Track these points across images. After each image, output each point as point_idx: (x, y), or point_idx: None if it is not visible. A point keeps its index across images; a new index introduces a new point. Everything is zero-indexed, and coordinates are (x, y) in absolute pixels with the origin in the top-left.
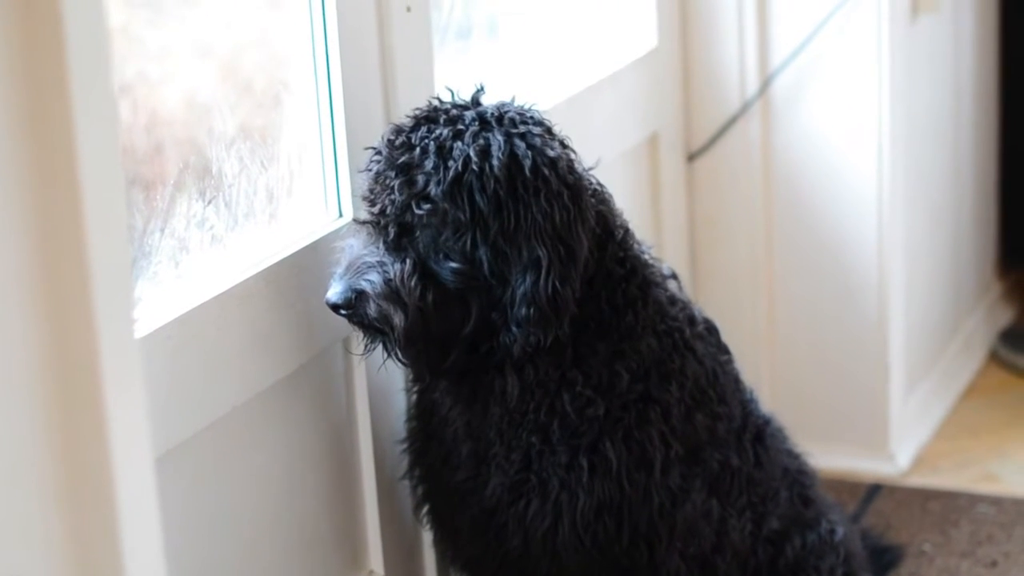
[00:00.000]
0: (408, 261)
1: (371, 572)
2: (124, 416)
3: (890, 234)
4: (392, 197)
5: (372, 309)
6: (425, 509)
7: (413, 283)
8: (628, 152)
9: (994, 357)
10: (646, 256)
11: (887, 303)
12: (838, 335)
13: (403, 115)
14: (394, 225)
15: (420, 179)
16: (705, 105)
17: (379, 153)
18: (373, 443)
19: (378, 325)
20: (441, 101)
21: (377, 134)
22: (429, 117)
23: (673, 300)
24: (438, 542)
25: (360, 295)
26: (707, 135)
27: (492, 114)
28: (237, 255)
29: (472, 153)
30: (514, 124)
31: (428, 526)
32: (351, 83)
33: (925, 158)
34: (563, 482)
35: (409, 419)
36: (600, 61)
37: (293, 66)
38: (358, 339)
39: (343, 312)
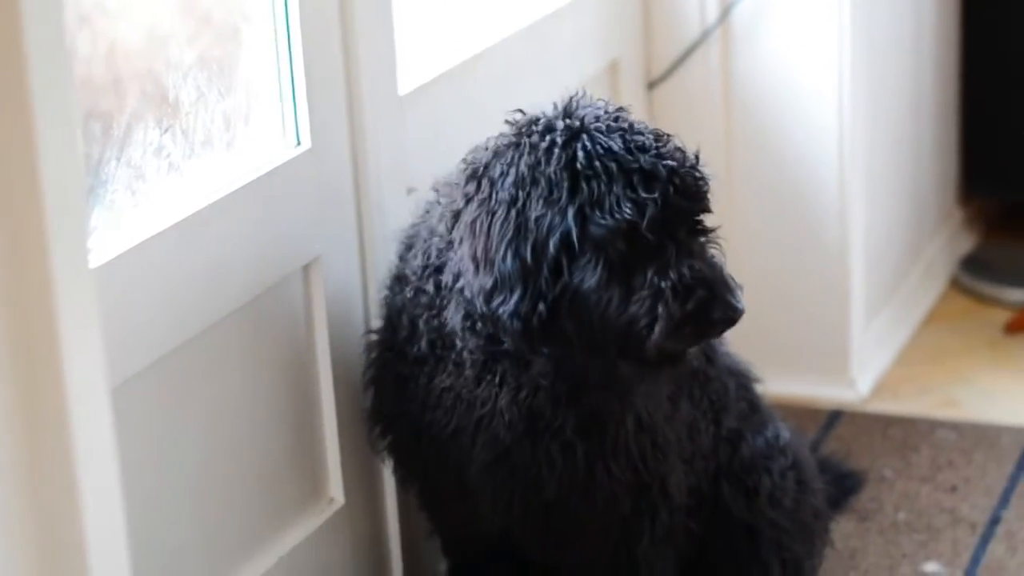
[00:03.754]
0: None
1: (331, 500)
2: (79, 346)
3: (851, 161)
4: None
5: None
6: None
7: None
8: (588, 80)
9: (955, 284)
10: None
11: (848, 230)
12: (799, 262)
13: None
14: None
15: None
16: (665, 32)
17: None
18: (333, 372)
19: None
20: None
21: (334, 62)
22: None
23: None
24: (426, 500)
25: None
26: (667, 63)
27: None
28: (194, 183)
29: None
30: None
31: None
32: (308, 9)
33: (886, 85)
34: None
35: (386, 403)
36: None
37: None
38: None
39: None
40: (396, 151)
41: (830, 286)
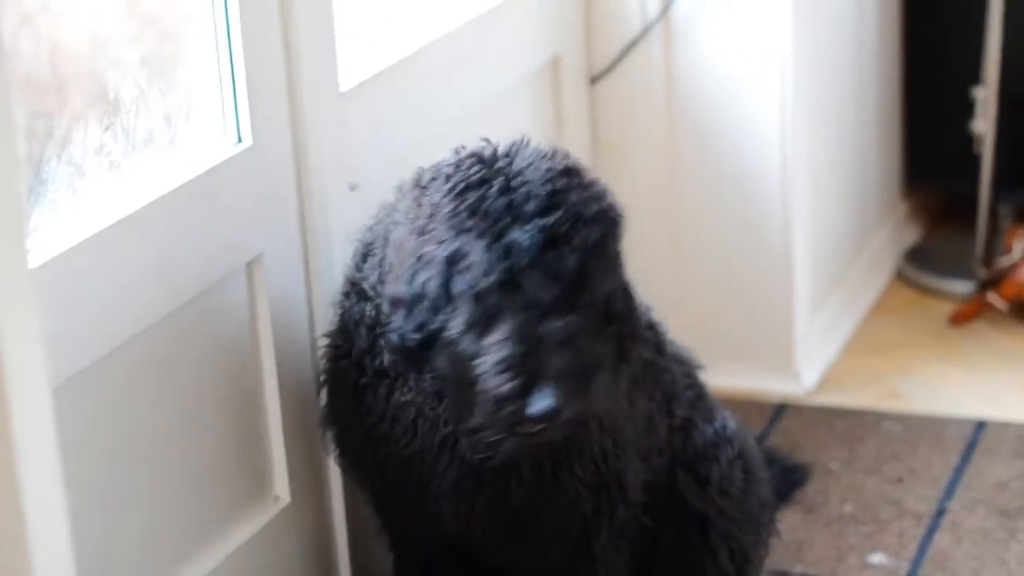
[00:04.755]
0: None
1: (277, 498)
2: (19, 346)
3: (794, 154)
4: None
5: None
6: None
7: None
8: (530, 75)
9: (900, 276)
10: None
11: (791, 223)
12: (743, 256)
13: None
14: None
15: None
16: (606, 27)
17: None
18: (278, 369)
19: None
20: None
21: (274, 59)
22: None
23: None
24: (381, 505)
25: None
26: (609, 58)
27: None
28: (136, 181)
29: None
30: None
31: (364, 489)
32: (248, 9)
33: (828, 78)
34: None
35: (341, 411)
36: None
37: None
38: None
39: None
40: (338, 148)
41: (774, 279)
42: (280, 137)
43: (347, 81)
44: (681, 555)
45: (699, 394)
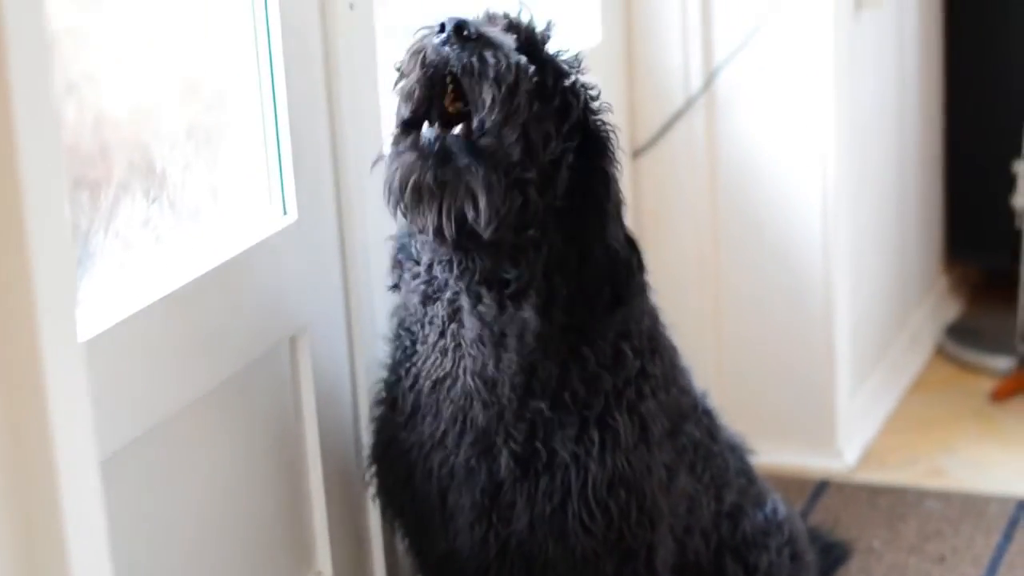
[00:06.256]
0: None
1: (319, 573)
2: (68, 419)
3: (835, 229)
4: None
5: (492, 65)
6: (395, 504)
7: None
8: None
9: (941, 351)
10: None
11: (833, 298)
12: (784, 331)
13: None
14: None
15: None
16: (649, 101)
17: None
18: (321, 442)
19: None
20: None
21: (320, 133)
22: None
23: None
24: (412, 537)
25: (482, 41)
26: (652, 131)
27: None
28: (182, 255)
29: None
30: None
31: (398, 524)
32: (294, 82)
33: (870, 152)
34: (574, 455)
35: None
36: None
37: (238, 66)
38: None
39: (453, 39)
40: (383, 222)
41: (816, 354)
42: (325, 211)
43: None
44: None
45: (750, 479)
